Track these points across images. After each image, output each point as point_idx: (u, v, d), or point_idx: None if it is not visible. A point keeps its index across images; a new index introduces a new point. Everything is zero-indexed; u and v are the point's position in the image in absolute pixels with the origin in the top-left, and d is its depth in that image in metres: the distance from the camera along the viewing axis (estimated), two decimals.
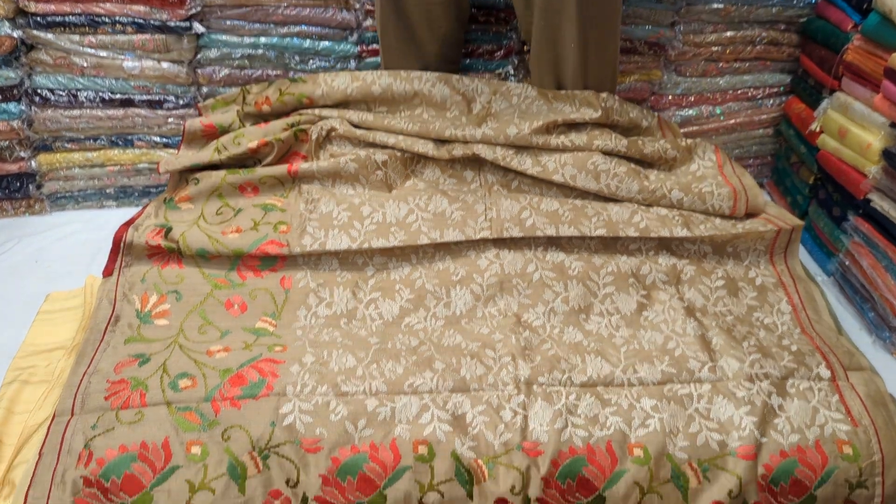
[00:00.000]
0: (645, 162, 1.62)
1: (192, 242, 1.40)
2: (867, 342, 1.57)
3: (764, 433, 1.12)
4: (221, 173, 1.55)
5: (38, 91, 1.76)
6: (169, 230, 1.42)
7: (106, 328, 1.30)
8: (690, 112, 1.95)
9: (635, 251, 1.45)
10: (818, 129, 1.75)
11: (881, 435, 1.12)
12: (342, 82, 1.65)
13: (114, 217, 1.89)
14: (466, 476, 1.08)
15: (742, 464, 1.09)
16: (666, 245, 1.47)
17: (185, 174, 1.60)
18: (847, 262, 1.65)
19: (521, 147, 1.58)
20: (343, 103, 1.67)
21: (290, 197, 1.53)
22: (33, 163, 1.83)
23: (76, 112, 1.79)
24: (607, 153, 1.56)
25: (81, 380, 1.18)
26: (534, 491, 1.08)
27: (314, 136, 1.61)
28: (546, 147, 1.56)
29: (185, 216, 1.49)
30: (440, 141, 1.60)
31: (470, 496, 1.08)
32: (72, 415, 1.13)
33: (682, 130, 1.93)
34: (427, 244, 1.42)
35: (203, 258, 1.41)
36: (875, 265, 1.55)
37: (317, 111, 1.65)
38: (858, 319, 1.63)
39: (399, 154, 1.59)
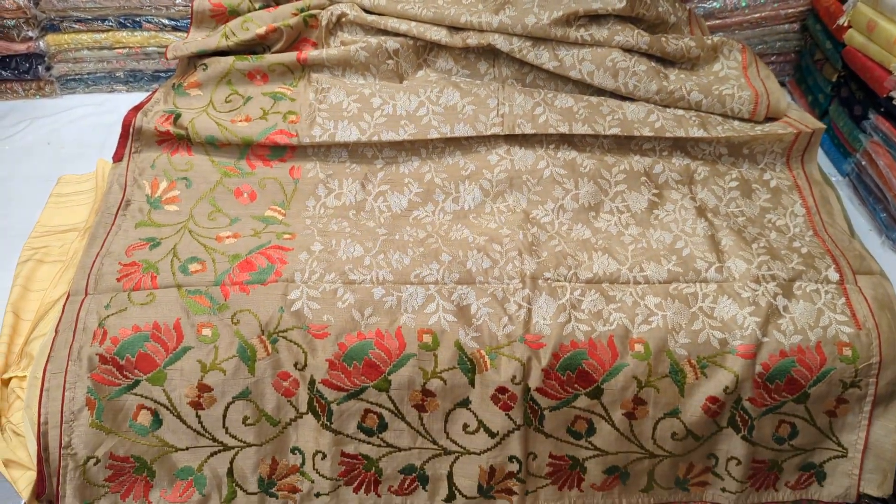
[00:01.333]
0: (666, 60, 1.57)
1: (200, 129, 1.39)
2: (877, 243, 1.56)
3: (766, 333, 1.13)
4: (230, 59, 1.52)
5: None
6: (178, 116, 1.40)
7: (117, 212, 1.31)
8: (714, 4, 1.88)
9: (649, 150, 1.43)
10: (846, 24, 1.69)
11: (883, 338, 1.13)
12: None
13: (124, 101, 1.87)
14: (469, 365, 1.11)
15: (740, 362, 1.11)
16: (680, 145, 1.44)
17: (194, 59, 1.57)
18: (864, 162, 1.63)
19: (538, 39, 1.53)
20: None
21: (299, 86, 1.50)
22: (41, 43, 1.80)
23: None
24: (627, 50, 1.51)
25: (94, 261, 1.20)
26: (534, 381, 1.11)
27: (324, 22, 1.57)
28: (565, 40, 1.51)
29: (194, 102, 1.48)
30: (454, 28, 1.56)
31: (472, 384, 1.11)
32: (86, 294, 1.15)
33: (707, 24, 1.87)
34: (437, 138, 1.40)
35: (212, 146, 1.41)
36: (892, 164, 1.53)
37: None
38: (870, 220, 1.62)
39: (411, 43, 1.55)
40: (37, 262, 1.39)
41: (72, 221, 1.48)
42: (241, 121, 1.42)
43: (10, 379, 1.18)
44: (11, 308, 1.28)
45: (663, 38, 1.55)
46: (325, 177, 1.38)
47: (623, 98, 1.52)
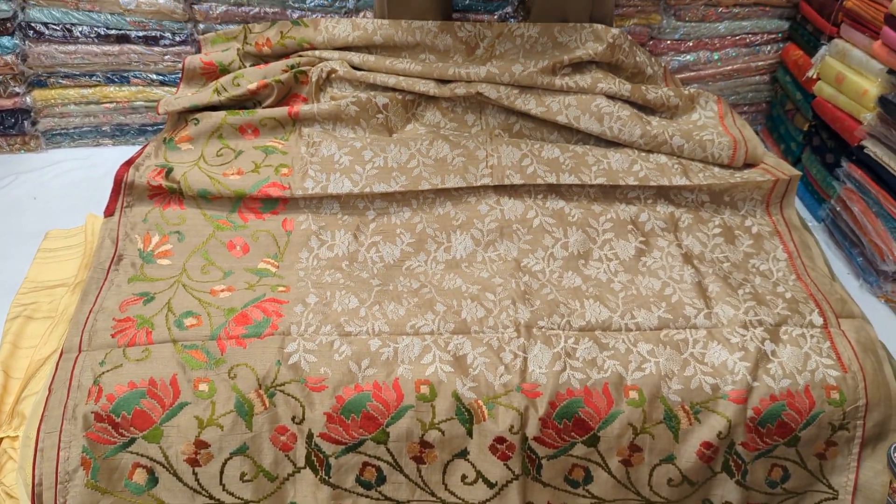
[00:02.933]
0: (647, 108, 1.62)
1: (193, 183, 1.40)
2: (854, 286, 1.61)
3: (756, 378, 1.15)
4: (221, 114, 1.54)
5: (32, 25, 1.74)
6: (170, 171, 1.42)
7: (109, 267, 1.30)
8: (688, 57, 1.95)
9: (634, 199, 1.47)
10: (815, 76, 1.76)
11: (868, 381, 1.16)
12: (343, 30, 1.64)
13: (110, 155, 1.90)
14: (467, 415, 1.11)
15: (732, 407, 1.13)
16: (664, 194, 1.48)
17: (184, 114, 1.59)
18: (838, 208, 1.68)
19: (524, 87, 1.58)
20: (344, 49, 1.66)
21: (290, 139, 1.52)
22: (28, 98, 1.81)
23: (71, 47, 1.77)
24: (610, 96, 1.56)
25: (88, 317, 1.19)
26: (531, 430, 1.11)
27: (314, 78, 1.61)
28: (550, 88, 1.57)
29: (186, 157, 1.49)
30: (442, 81, 1.60)
31: (469, 434, 1.12)
32: (79, 351, 1.14)
33: (679, 76, 1.94)
34: (428, 189, 1.43)
35: (204, 199, 1.42)
36: (866, 211, 1.58)
37: (317, 53, 1.64)
38: (847, 264, 1.67)
39: (400, 97, 1.58)
40: (26, 318, 1.38)
41: (61, 277, 1.48)
42: (233, 174, 1.43)
43: (1, 439, 1.17)
44: (1, 366, 1.27)
45: (643, 87, 1.61)
46: (318, 228, 1.39)
47: (608, 145, 1.56)
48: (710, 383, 1.14)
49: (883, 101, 1.51)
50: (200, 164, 1.46)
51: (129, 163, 1.45)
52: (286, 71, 1.61)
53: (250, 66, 1.65)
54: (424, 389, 1.11)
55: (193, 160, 1.47)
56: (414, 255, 1.36)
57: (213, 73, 1.65)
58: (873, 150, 1.56)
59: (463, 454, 1.12)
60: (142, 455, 1.07)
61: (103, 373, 1.10)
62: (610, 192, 1.47)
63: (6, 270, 1.51)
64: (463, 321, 1.21)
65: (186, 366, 1.11)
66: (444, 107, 1.62)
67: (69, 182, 1.81)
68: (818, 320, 1.24)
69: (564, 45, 1.62)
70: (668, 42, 1.93)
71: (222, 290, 1.26)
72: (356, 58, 1.62)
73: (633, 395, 1.13)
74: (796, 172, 1.49)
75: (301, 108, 1.54)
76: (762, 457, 1.15)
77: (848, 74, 1.64)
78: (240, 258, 1.34)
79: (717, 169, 1.53)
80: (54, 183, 1.81)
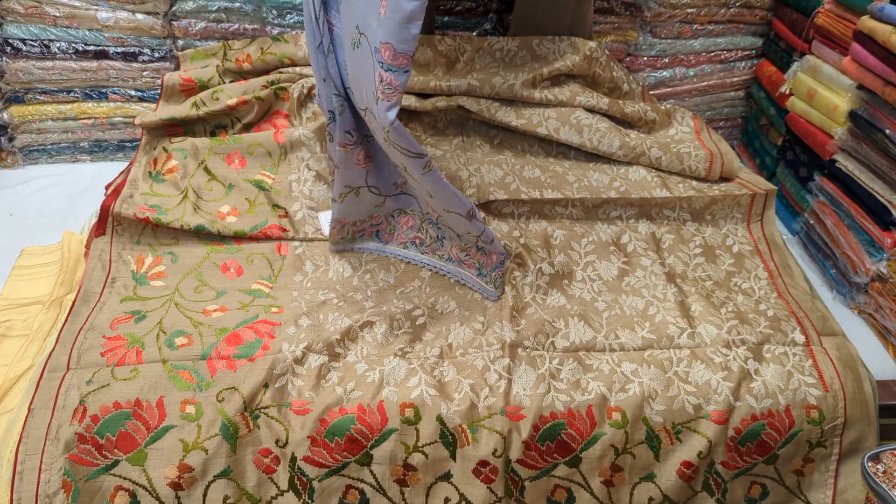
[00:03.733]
0: (625, 122, 1.64)
1: (189, 220, 1.39)
2: (828, 297, 1.63)
3: (738, 398, 1.16)
4: (208, 143, 1.52)
5: (10, 41, 1.72)
6: (160, 218, 1.39)
7: (102, 289, 1.29)
8: (664, 73, 1.98)
9: (616, 218, 1.49)
10: (788, 92, 1.79)
11: (848, 399, 1.18)
12: None
13: (88, 171, 1.88)
14: (450, 439, 1.12)
15: (714, 427, 1.14)
16: (646, 213, 1.50)
17: (161, 131, 1.58)
18: (811, 221, 1.71)
19: (504, 100, 1.59)
20: None
21: (279, 172, 1.51)
22: (5, 115, 1.79)
23: (49, 63, 1.76)
24: (589, 109, 1.58)
25: (77, 336, 1.18)
26: (514, 453, 1.12)
27: (295, 94, 1.61)
28: (530, 100, 1.59)
29: (173, 189, 1.47)
30: (423, 95, 1.61)
31: (453, 458, 1.12)
32: (67, 369, 1.13)
33: (655, 92, 1.97)
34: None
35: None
36: (838, 223, 1.61)
37: (297, 69, 1.65)
38: (820, 276, 1.69)
39: None
40: (0, 336, 1.36)
41: (36, 294, 1.46)
42: (228, 213, 1.42)
43: None
44: None
45: (620, 101, 1.63)
46: (313, 254, 1.39)
47: (588, 162, 1.58)
48: (693, 403, 1.16)
49: (853, 115, 1.54)
50: (191, 198, 1.44)
51: (115, 192, 1.43)
52: (266, 87, 1.61)
53: (230, 82, 1.65)
54: (409, 413, 1.12)
55: (181, 193, 1.45)
56: (408, 281, 1.36)
57: (192, 89, 1.65)
58: (845, 163, 1.58)
59: (446, 477, 1.13)
60: (124, 478, 1.06)
61: (89, 392, 1.09)
62: (592, 213, 1.48)
63: None
64: (449, 346, 1.21)
65: (174, 387, 1.11)
66: (426, 121, 1.63)
67: (46, 198, 1.79)
68: (800, 338, 1.26)
69: (543, 58, 1.64)
70: (645, 58, 1.95)
71: (215, 310, 1.25)
72: None
73: (617, 416, 1.14)
74: (772, 187, 1.52)
75: (286, 132, 1.53)
76: (741, 475, 1.17)
77: (819, 90, 1.67)
78: (234, 279, 1.34)
79: (694, 182, 1.55)
80: (31, 199, 1.79)
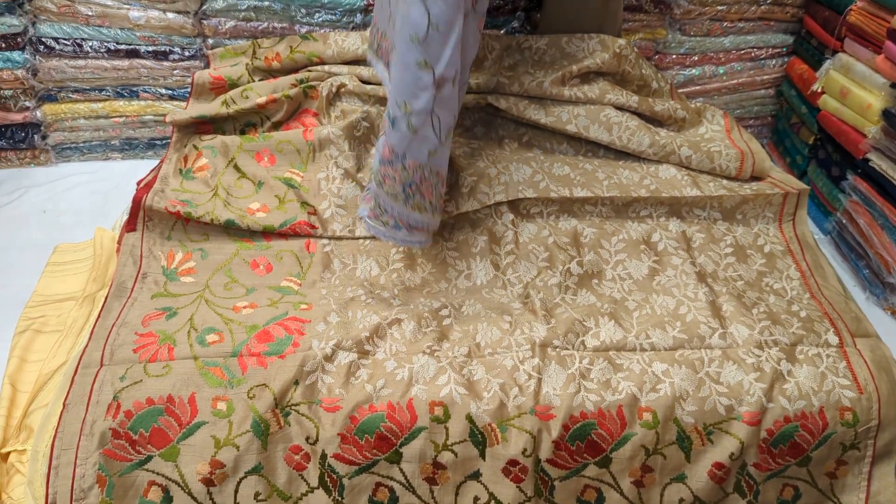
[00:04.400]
0: (655, 121, 1.63)
1: (219, 215, 1.40)
2: (861, 298, 1.62)
3: (771, 399, 1.15)
4: (237, 141, 1.53)
5: (43, 40, 1.75)
6: (190, 212, 1.41)
7: (134, 284, 1.30)
8: (693, 71, 1.96)
9: (646, 217, 1.48)
10: (819, 90, 1.77)
11: (883, 401, 1.16)
12: (353, 43, 1.65)
13: (119, 169, 1.91)
14: (480, 437, 1.12)
15: (746, 428, 1.13)
16: (676, 211, 1.49)
17: (191, 129, 1.59)
18: (844, 221, 1.69)
19: (533, 98, 1.59)
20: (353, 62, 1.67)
21: (308, 170, 1.51)
22: (38, 113, 1.82)
23: (81, 62, 1.78)
24: (618, 107, 1.57)
25: (110, 332, 1.20)
26: (544, 453, 1.11)
27: (324, 93, 1.61)
28: (559, 98, 1.57)
29: (203, 187, 1.48)
30: None
31: (482, 457, 1.12)
32: (101, 365, 1.14)
33: (684, 90, 1.95)
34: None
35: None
36: (871, 223, 1.59)
37: (326, 67, 1.65)
38: (853, 276, 1.68)
39: None
40: (34, 332, 1.38)
41: (69, 290, 1.48)
42: (258, 210, 1.44)
43: (9, 453, 1.17)
44: (9, 380, 1.28)
45: (650, 99, 1.62)
46: (341, 252, 1.40)
47: (618, 160, 1.57)
48: (725, 404, 1.15)
49: (887, 114, 1.52)
50: (221, 195, 1.45)
51: (147, 186, 1.45)
52: (295, 86, 1.61)
53: (259, 80, 1.66)
54: (438, 411, 1.12)
55: (211, 190, 1.47)
56: (434, 282, 1.36)
57: (221, 87, 1.66)
58: (878, 163, 1.57)
59: (475, 476, 1.13)
60: (157, 473, 1.08)
61: (123, 388, 1.11)
62: (622, 211, 1.48)
63: (15, 283, 1.52)
64: (477, 345, 1.21)
65: (206, 383, 1.12)
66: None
67: (78, 196, 1.82)
68: (834, 339, 1.24)
69: (572, 55, 1.63)
70: (674, 56, 1.94)
71: (245, 307, 1.26)
72: (365, 72, 1.63)
73: (647, 416, 1.13)
74: (804, 186, 1.50)
75: (315, 130, 1.54)
76: (774, 477, 1.16)
77: (852, 88, 1.65)
78: (263, 276, 1.35)
79: (725, 181, 1.53)
80: (64, 196, 1.82)
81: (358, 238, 1.43)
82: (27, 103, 1.80)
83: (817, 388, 1.16)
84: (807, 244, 1.47)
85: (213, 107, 1.59)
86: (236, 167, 1.51)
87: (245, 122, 1.61)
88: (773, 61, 1.99)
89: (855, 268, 1.67)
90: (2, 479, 1.15)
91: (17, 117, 1.80)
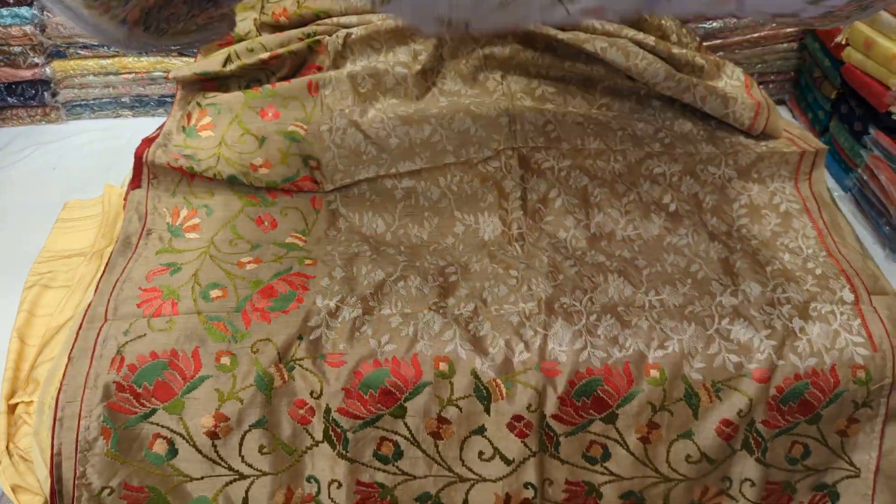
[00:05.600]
0: (672, 64, 1.59)
1: (223, 170, 1.39)
2: (880, 255, 1.59)
3: (781, 356, 1.13)
4: (241, 97, 1.50)
5: None
6: (192, 167, 1.40)
7: (138, 241, 1.30)
8: (714, 24, 1.90)
9: (659, 176, 1.44)
10: (844, 42, 1.72)
11: None
12: None
13: (130, 126, 1.90)
14: (484, 392, 1.11)
15: (755, 385, 1.11)
16: (690, 170, 1.45)
17: (195, 86, 1.57)
18: (865, 177, 1.65)
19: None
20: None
21: (312, 121, 1.49)
22: (48, 69, 1.82)
23: None
24: (636, 43, 1.53)
25: (114, 287, 1.20)
26: (549, 408, 1.10)
27: (330, 48, 1.58)
28: (576, 27, 1.54)
29: (206, 143, 1.46)
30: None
31: (487, 412, 1.11)
32: (105, 320, 1.14)
33: (705, 44, 1.89)
34: (453, 163, 1.42)
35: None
36: (893, 179, 1.55)
37: (335, 19, 1.62)
38: (873, 234, 1.64)
39: (418, 68, 1.55)
40: (42, 287, 1.39)
41: (78, 246, 1.49)
42: (261, 166, 1.42)
43: (16, 404, 1.19)
44: (17, 334, 1.29)
45: (668, 43, 1.57)
46: (346, 209, 1.39)
47: (632, 112, 1.54)
48: (734, 361, 1.13)
49: None
50: (223, 152, 1.43)
51: (149, 140, 1.44)
52: (302, 39, 1.58)
53: (267, 35, 1.63)
54: (443, 366, 1.11)
55: (215, 146, 1.45)
56: (441, 238, 1.35)
57: (230, 43, 1.63)
58: None
59: (480, 431, 1.12)
60: (162, 426, 1.08)
61: (126, 342, 1.11)
62: (635, 169, 1.44)
63: (27, 240, 1.52)
64: (483, 301, 1.20)
65: (209, 338, 1.12)
66: (465, 74, 1.59)
67: (89, 153, 1.82)
68: (849, 297, 1.21)
69: None
70: None
71: (249, 262, 1.25)
72: (377, 20, 1.60)
73: (655, 373, 1.12)
74: (822, 145, 1.46)
75: (320, 80, 1.51)
76: (783, 434, 1.14)
77: (877, 39, 1.59)
78: (268, 233, 1.34)
79: (742, 137, 1.49)
80: (74, 154, 1.82)
81: (358, 181, 1.42)
82: (36, 59, 1.79)
83: (830, 346, 1.14)
84: (824, 202, 1.43)
85: (216, 62, 1.56)
86: (240, 123, 1.49)
87: (250, 79, 1.59)
88: None
89: (875, 225, 1.63)
90: (10, 429, 1.17)
91: (27, 74, 1.80)
